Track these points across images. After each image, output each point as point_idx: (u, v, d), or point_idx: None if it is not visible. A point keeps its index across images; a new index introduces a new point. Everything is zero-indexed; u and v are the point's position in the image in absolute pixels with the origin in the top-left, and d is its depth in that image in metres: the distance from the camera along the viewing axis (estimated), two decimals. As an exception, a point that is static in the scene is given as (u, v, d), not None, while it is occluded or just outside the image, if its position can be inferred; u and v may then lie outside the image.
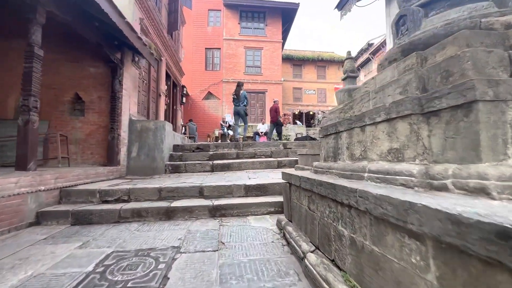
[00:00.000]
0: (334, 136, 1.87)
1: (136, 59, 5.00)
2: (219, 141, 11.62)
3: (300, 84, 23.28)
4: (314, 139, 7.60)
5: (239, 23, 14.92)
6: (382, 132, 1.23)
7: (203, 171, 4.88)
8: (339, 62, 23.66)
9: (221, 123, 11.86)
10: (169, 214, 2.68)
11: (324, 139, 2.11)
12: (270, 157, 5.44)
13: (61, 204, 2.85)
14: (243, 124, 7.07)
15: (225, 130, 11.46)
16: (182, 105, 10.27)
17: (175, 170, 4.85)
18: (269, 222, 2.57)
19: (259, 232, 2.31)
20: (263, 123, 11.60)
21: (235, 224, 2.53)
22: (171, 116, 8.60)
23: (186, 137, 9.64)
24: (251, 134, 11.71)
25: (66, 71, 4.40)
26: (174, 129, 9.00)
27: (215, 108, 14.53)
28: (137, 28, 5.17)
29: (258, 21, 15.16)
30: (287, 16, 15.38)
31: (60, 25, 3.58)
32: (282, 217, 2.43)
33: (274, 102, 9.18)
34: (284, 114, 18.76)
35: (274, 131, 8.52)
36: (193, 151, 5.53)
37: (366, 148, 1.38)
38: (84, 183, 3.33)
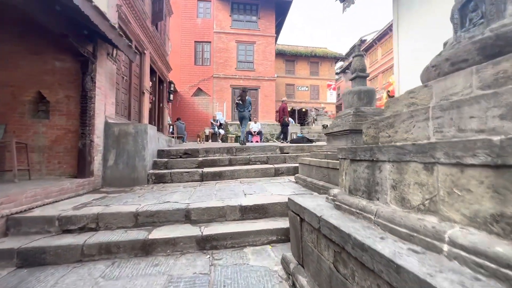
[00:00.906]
0: (369, 165, 1.38)
1: (113, 52, 4.33)
2: (210, 141, 11.02)
3: (292, 80, 22.84)
4: (311, 140, 7.19)
5: (230, 16, 14.18)
6: (478, 182, 0.76)
7: (192, 181, 4.34)
8: (332, 59, 23.36)
9: (212, 121, 11.25)
10: (146, 249, 2.15)
11: (350, 164, 1.62)
12: (266, 163, 4.95)
13: (7, 237, 2.25)
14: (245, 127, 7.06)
15: (216, 129, 10.87)
16: (169, 103, 9.58)
17: (160, 179, 4.28)
18: (271, 259, 2.08)
19: (261, 277, 1.82)
20: (255, 122, 11.08)
21: (229, 262, 2.03)
22: (157, 115, 7.93)
23: (174, 138, 9.00)
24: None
25: (26, 65, 3.70)
26: (161, 129, 8.34)
27: (205, 106, 13.85)
28: (114, 16, 4.49)
29: (251, 14, 14.47)
30: (280, 9, 14.76)
31: (14, 10, 2.90)
32: (288, 255, 1.94)
33: (282, 101, 9.00)
34: (277, 111, 18.26)
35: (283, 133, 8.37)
36: (180, 157, 4.95)
37: (437, 199, 0.91)
38: (43, 205, 2.72)
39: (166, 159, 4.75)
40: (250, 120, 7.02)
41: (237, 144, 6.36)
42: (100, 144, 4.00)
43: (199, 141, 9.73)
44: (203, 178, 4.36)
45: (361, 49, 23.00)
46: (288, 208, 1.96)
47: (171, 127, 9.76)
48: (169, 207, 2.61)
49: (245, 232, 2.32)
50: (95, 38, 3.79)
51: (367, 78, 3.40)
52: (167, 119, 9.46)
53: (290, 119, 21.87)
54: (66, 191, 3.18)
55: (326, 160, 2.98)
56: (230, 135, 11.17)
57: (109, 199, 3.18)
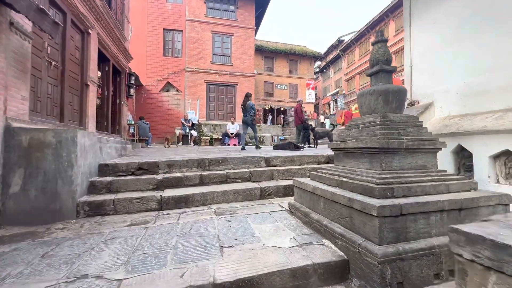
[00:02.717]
0: None
1: (18, 21, 2.88)
2: (180, 144, 9.61)
3: (271, 78, 22.01)
4: (298, 146, 6.25)
5: (205, 2, 12.74)
6: None
7: (146, 210, 3.09)
8: (312, 57, 22.96)
9: (183, 121, 9.83)
10: None
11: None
12: (249, 180, 3.85)
13: None
14: (251, 133, 7.42)
15: (187, 130, 9.50)
16: (129, 98, 7.99)
17: (97, 210, 2.96)
18: None
19: None
20: (232, 123, 9.91)
21: None
22: (110, 113, 6.37)
23: (136, 141, 7.51)
24: (219, 136, 9.95)
25: None
26: (116, 131, 6.82)
27: (176, 103, 12.29)
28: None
29: (228, 3, 13.17)
30: (261, 0, 13.67)
31: None
32: None
33: (298, 102, 8.25)
34: (295, 112, 17.20)
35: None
36: (133, 174, 3.64)
37: None
38: None
39: (111, 178, 3.41)
40: (254, 125, 6.86)
41: (212, 155, 5.19)
42: (-8, 162, 2.57)
43: (166, 144, 8.31)
44: (163, 206, 3.14)
45: (339, 49, 22.85)
46: None
47: (132, 127, 8.18)
48: (77, 301, 1.38)
49: None
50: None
51: (389, 73, 2.45)
52: (126, 118, 7.88)
53: (268, 118, 20.86)
54: None
55: (345, 195, 1.97)
56: (204, 137, 9.86)
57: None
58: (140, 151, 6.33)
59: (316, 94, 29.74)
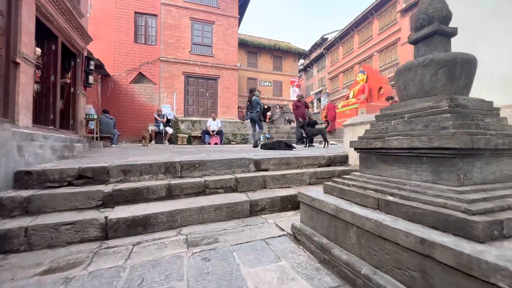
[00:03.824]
0: None
1: None
2: (153, 142, 8.40)
3: (255, 74, 21.17)
4: (290, 146, 5.45)
5: (183, -14, 11.51)
6: None
7: (80, 242, 2.08)
8: (296, 54, 22.45)
9: (156, 116, 8.63)
10: None
11: None
12: (235, 190, 2.94)
13: None
14: (259, 130, 6.75)
15: (161, 126, 8.33)
16: (87, 87, 6.68)
17: (-3, 246, 1.89)
18: None
19: None
20: (214, 119, 8.88)
21: None
22: (55, 103, 5.09)
23: (95, 138, 6.25)
24: (198, 133, 8.89)
25: None
26: (69, 126, 5.55)
27: (149, 96, 10.97)
28: None
29: (209, -12, 12.04)
30: (244, -13, 12.71)
31: None
32: None
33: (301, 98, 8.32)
34: (239, 107, 16.35)
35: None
36: (69, 185, 2.57)
37: None
38: None
39: (30, 193, 2.31)
40: (260, 121, 6.56)
41: (187, 156, 4.24)
42: None
43: (144, 143, 7.05)
44: (109, 233, 2.13)
45: (323, 47, 22.60)
46: None
47: (92, 123, 6.86)
48: None
49: None
50: None
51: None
52: (85, 111, 6.57)
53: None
54: None
55: (409, 231, 1.14)
56: (181, 134, 8.73)
57: None
58: (97, 151, 5.14)
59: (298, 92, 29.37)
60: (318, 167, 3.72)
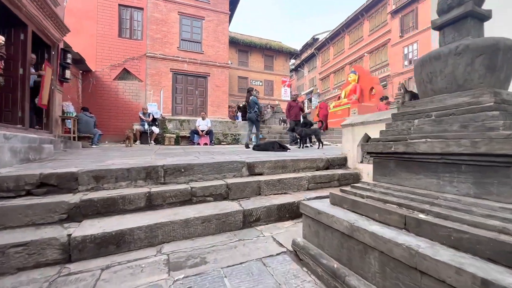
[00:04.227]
0: None
1: None
2: (137, 142, 7.91)
3: (246, 73, 20.84)
4: (284, 147, 5.17)
5: (171, -21, 11.01)
6: None
7: (34, 267, 1.69)
8: (287, 54, 22.29)
9: (141, 115, 8.13)
10: None
11: None
12: (226, 198, 2.61)
13: None
14: (256, 131, 6.54)
15: (146, 126, 7.86)
16: (63, 83, 6.13)
17: None
18: None
19: None
20: (203, 118, 8.49)
21: None
22: (22, 100, 4.56)
23: (72, 138, 5.76)
24: (187, 133, 8.46)
25: None
26: (42, 125, 5.05)
27: (135, 94, 10.40)
28: None
29: (198, -18, 11.59)
30: (235, -17, 12.35)
31: None
32: None
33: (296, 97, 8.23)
34: (229, 106, 15.99)
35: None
36: (28, 195, 2.15)
37: None
38: None
39: (-25, 205, 1.89)
40: (258, 122, 6.33)
41: (173, 159, 3.89)
42: None
43: (128, 144, 6.53)
44: (72, 254, 1.76)
45: (314, 47, 22.64)
46: None
47: (72, 121, 6.31)
48: None
49: None
50: None
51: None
52: (60, 108, 6.03)
53: (238, 114, 19.64)
54: None
55: (462, 266, 0.85)
56: (168, 134, 8.27)
57: None
58: (73, 152, 4.66)
59: (290, 92, 29.34)
60: (316, 170, 3.45)
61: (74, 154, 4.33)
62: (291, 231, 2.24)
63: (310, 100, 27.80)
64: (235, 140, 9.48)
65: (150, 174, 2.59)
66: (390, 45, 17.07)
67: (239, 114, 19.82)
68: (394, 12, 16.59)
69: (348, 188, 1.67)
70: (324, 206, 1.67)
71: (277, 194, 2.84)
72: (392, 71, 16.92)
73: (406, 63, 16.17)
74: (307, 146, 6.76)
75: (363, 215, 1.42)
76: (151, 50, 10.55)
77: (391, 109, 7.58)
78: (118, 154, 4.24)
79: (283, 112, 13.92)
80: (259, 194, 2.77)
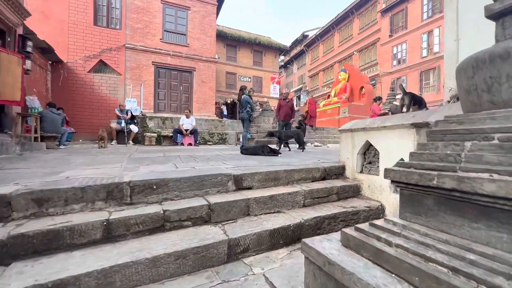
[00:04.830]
0: None
1: None
2: (114, 142, 7.22)
3: (234, 69, 20.22)
4: (275, 151, 4.78)
5: (153, -36, 10.17)
6: None
7: None
8: (277, 50, 21.86)
9: (117, 112, 7.42)
10: None
11: None
12: (207, 221, 2.15)
13: None
14: (244, 131, 6.16)
15: (123, 123, 7.18)
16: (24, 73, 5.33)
17: None
18: None
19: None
20: (187, 116, 7.90)
21: None
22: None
23: (31, 140, 5.06)
24: (169, 133, 7.85)
25: None
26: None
27: (112, 88, 9.59)
28: None
29: (183, -31, 10.81)
30: (223, -28, 11.67)
31: None
32: None
33: (285, 94, 7.53)
34: (216, 103, 15.39)
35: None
36: None
37: None
38: None
39: None
40: (250, 121, 6.05)
41: (145, 170, 3.39)
42: None
43: (100, 145, 5.81)
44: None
45: (303, 44, 22.38)
46: None
47: (33, 119, 5.53)
48: None
49: None
50: None
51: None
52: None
53: (224, 111, 18.98)
54: None
55: None
56: (148, 133, 7.62)
57: None
58: (30, 157, 3.99)
59: (280, 90, 29.01)
60: (312, 181, 3.06)
61: (30, 159, 3.68)
62: (287, 266, 1.83)
63: (299, 97, 27.60)
64: (222, 140, 8.98)
65: (112, 193, 2.08)
66: (380, 44, 17.06)
67: (224, 107, 19.11)
68: (384, 11, 16.54)
69: (366, 227, 1.27)
70: (334, 251, 1.26)
71: (269, 213, 2.42)
72: (381, 70, 16.95)
73: (394, 63, 16.22)
74: (286, 148, 6.34)
75: (393, 273, 1.02)
76: (131, 41, 9.72)
77: (383, 110, 7.38)
78: (83, 160, 3.65)
79: (272, 110, 13.52)
80: (248, 215, 2.33)
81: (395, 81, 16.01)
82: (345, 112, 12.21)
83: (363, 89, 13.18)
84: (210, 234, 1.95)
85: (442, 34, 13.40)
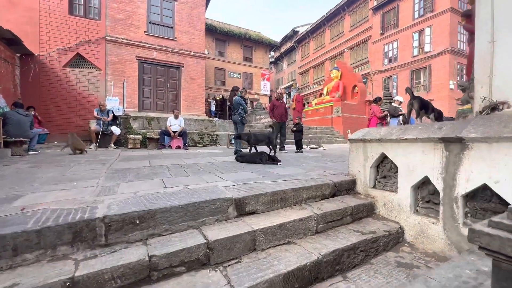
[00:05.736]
0: None
1: None
2: (93, 145, 6.55)
3: (223, 64, 19.59)
4: (274, 159, 4.40)
5: (136, -51, 9.33)
6: None
7: None
8: (267, 45, 21.36)
9: (96, 114, 6.72)
10: None
11: None
12: (205, 264, 1.73)
13: None
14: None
15: (102, 124, 6.52)
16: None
17: None
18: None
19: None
20: (176, 116, 7.33)
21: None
22: None
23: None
24: (156, 135, 7.26)
25: None
26: None
27: (92, 84, 8.79)
28: None
29: (169, -44, 10.04)
30: (212, -38, 10.94)
31: None
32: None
33: (278, 91, 7.32)
34: (206, 100, 14.79)
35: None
36: None
37: None
38: None
39: None
40: (243, 124, 5.77)
41: (125, 192, 2.93)
42: None
43: (76, 152, 5.12)
44: None
45: (294, 40, 22.00)
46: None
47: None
48: None
49: None
50: None
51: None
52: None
53: (213, 110, 18.29)
54: None
55: None
56: (132, 135, 6.98)
57: None
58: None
59: (270, 89, 28.59)
60: (322, 199, 2.71)
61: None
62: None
63: (289, 94, 27.32)
64: (213, 141, 8.47)
65: (80, 234, 1.60)
66: (371, 42, 16.97)
67: (213, 102, 18.35)
68: (376, 9, 16.42)
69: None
70: None
71: (279, 245, 2.04)
72: (372, 68, 16.91)
73: (386, 61, 16.20)
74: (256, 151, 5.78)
75: None
76: (111, 33, 8.91)
77: (384, 112, 7.15)
78: (52, 175, 3.09)
79: (263, 109, 13.09)
80: (254, 250, 1.93)
81: (386, 79, 16.01)
82: (338, 111, 12.02)
83: (356, 87, 13.03)
84: (210, 284, 1.53)
85: (433, 33, 13.44)
